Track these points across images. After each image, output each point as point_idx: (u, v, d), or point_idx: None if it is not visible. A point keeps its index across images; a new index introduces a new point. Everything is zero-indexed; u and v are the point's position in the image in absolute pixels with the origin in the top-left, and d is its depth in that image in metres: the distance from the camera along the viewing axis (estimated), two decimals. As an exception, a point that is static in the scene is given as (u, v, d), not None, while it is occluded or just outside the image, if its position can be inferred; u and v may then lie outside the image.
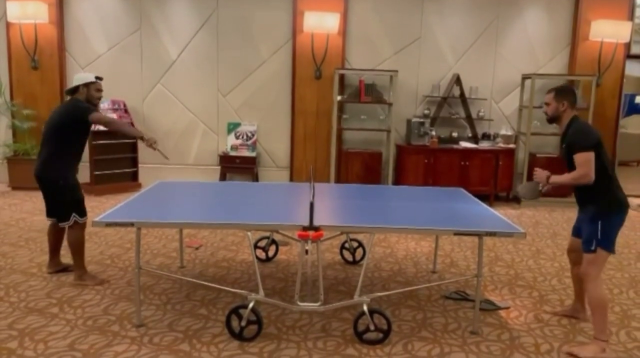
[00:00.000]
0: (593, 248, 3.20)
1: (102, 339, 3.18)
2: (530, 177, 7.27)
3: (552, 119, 3.42)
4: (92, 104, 4.09)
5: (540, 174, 3.36)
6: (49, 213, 4.13)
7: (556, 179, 3.30)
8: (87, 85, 4.07)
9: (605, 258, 3.23)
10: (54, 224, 4.16)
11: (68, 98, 4.19)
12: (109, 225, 3.23)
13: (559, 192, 3.36)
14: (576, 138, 3.22)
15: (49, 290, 3.88)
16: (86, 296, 3.81)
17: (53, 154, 3.96)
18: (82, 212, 4.07)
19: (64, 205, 4.00)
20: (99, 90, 4.13)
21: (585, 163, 3.15)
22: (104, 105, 7.27)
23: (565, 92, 3.36)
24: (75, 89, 4.07)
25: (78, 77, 4.13)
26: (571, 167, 3.27)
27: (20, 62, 7.34)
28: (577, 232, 3.50)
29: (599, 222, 3.18)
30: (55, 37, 7.31)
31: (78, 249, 4.06)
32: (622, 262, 4.99)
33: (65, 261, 4.37)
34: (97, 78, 4.11)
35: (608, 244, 3.19)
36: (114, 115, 7.26)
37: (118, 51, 7.53)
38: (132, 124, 7.30)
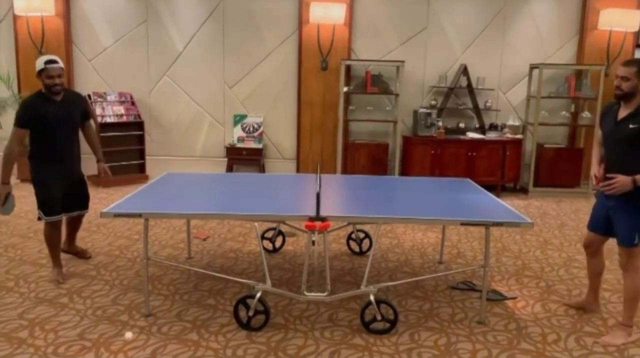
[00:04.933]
0: (636, 242, 3.03)
1: (112, 329, 3.21)
2: (537, 171, 7.29)
3: (625, 96, 3.05)
4: (52, 92, 3.70)
5: (622, 182, 2.98)
6: None
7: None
8: (39, 73, 3.66)
9: None
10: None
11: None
12: (117, 216, 3.26)
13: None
14: None
15: (58, 280, 3.93)
16: (95, 286, 3.85)
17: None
18: (47, 212, 3.86)
19: (36, 198, 3.91)
20: (50, 76, 3.63)
21: None
22: (112, 97, 7.31)
23: None
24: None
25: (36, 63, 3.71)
26: (629, 149, 3.02)
27: (28, 54, 7.35)
28: (597, 226, 3.33)
29: None
30: (62, 29, 7.33)
31: (48, 244, 3.98)
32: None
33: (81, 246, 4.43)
34: (49, 62, 3.63)
35: None
36: (121, 108, 7.30)
37: (124, 43, 7.54)
38: (140, 118, 7.35)
